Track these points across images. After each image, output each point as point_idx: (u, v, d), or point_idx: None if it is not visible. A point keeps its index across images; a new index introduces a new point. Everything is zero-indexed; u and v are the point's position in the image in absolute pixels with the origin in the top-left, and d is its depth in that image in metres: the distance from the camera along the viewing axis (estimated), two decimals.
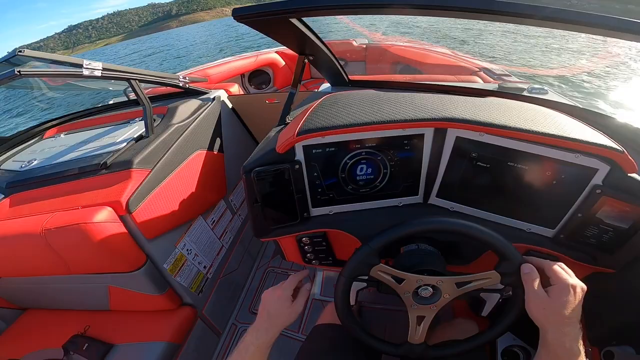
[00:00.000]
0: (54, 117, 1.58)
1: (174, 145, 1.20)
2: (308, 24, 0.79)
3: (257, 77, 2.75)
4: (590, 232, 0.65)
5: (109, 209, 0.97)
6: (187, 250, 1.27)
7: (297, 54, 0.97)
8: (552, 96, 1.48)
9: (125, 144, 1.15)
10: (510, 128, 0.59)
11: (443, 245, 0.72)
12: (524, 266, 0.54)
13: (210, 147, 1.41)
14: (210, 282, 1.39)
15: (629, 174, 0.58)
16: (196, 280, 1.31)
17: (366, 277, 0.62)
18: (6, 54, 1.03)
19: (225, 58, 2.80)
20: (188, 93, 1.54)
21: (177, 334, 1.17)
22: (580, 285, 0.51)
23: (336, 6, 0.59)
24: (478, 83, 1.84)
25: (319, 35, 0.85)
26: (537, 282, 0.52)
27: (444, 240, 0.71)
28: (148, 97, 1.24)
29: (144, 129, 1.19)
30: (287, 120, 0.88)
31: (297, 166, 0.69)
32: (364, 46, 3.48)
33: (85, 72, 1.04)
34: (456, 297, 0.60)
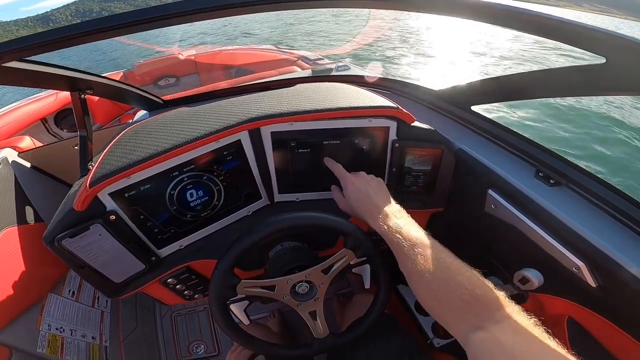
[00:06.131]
0: None
1: None
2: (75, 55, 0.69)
3: (66, 117, 2.24)
4: (409, 181, 0.74)
5: None
6: (58, 328, 1.07)
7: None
8: (354, 70, 1.86)
9: None
10: (305, 112, 0.62)
11: (306, 235, 0.70)
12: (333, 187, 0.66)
13: (21, 220, 1.13)
14: (112, 348, 1.23)
15: (410, 124, 0.68)
16: (93, 353, 1.15)
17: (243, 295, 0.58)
18: None
19: (8, 106, 2.17)
20: None
21: None
22: (358, 176, 0.61)
23: (49, 41, 0.48)
24: (296, 72, 2.10)
25: (72, 67, 0.76)
26: (336, 189, 0.64)
27: (302, 232, 0.69)
28: None
29: None
30: (90, 167, 0.76)
31: (112, 217, 0.58)
32: (193, 57, 3.35)
33: None
34: (331, 283, 0.60)
